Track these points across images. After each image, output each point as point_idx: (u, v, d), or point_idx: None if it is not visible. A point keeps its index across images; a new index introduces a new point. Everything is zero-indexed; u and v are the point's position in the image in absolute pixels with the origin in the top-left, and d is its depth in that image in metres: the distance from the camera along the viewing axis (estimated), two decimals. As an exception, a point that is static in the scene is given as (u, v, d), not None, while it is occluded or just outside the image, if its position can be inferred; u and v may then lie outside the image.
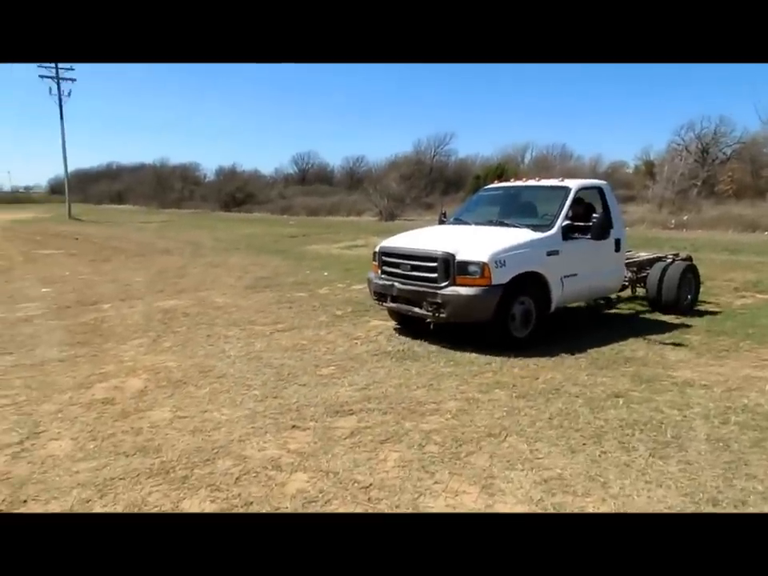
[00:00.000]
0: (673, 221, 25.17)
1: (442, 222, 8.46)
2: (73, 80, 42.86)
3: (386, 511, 3.27)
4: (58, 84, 41.97)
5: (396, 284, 6.89)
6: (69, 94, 42.75)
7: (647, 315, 8.45)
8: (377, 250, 7.50)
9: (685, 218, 25.63)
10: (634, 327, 7.58)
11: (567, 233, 6.94)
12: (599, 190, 7.81)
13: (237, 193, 54.20)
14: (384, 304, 7.27)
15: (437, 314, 6.46)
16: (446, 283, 6.40)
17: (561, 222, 6.97)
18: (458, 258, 6.38)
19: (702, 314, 8.34)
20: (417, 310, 6.69)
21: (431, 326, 6.80)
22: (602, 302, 9.17)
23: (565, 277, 6.88)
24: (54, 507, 3.35)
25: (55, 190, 78.44)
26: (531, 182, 8.26)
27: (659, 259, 8.86)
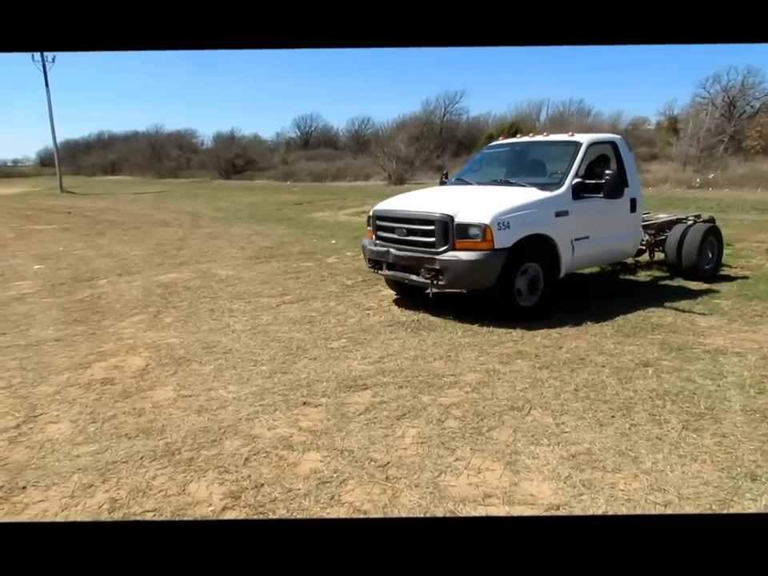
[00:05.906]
0: (698, 179, 24.03)
1: (443, 183, 8.03)
2: (56, 45, 41.58)
3: (404, 491, 3.12)
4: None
5: (391, 250, 6.51)
6: (53, 60, 40.46)
7: (669, 281, 8.08)
8: (370, 213, 7.09)
9: (711, 176, 24.36)
10: (658, 293, 7.27)
11: (578, 191, 6.49)
12: (613, 144, 7.27)
13: (236, 159, 52.80)
14: (379, 272, 6.89)
15: (435, 281, 6.07)
16: (444, 248, 6.02)
17: (571, 179, 6.51)
18: (457, 220, 5.98)
19: (731, 277, 7.98)
20: (414, 277, 6.32)
21: (430, 295, 6.33)
22: (618, 267, 8.81)
23: (575, 240, 6.46)
24: (55, 493, 3.22)
25: (45, 162, 74.47)
26: (539, 138, 7.79)
27: (679, 221, 8.42)
